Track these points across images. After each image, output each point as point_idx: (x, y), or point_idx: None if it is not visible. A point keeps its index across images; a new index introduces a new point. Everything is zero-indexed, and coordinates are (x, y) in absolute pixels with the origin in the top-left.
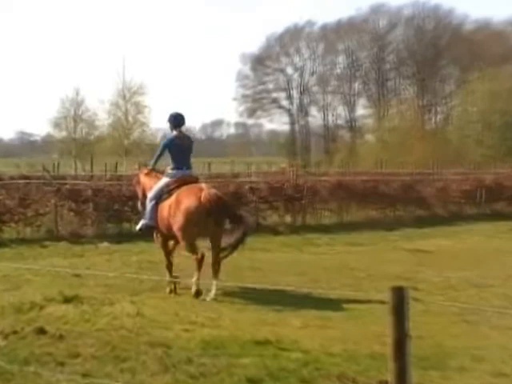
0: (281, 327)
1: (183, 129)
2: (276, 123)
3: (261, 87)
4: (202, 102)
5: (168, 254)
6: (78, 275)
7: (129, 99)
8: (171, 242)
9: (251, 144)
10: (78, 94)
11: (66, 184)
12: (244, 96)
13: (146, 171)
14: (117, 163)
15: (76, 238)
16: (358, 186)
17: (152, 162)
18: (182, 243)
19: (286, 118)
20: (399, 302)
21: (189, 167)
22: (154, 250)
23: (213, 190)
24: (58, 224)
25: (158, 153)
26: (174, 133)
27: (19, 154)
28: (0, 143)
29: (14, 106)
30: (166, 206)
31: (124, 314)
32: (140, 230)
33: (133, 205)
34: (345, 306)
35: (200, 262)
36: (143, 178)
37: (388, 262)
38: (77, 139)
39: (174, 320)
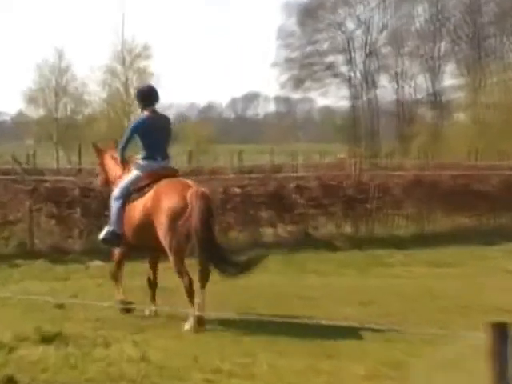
0: (338, 377)
1: (157, 107)
2: (331, 98)
3: (311, 48)
4: (231, 69)
5: (120, 268)
6: (60, 306)
7: (130, 65)
8: (154, 257)
9: (297, 126)
10: (60, 58)
11: (44, 181)
12: (288, 61)
13: (113, 153)
14: None
15: (58, 255)
16: (444, 184)
17: (121, 145)
18: (171, 257)
19: (345, 91)
20: (501, 343)
21: (164, 157)
22: (164, 271)
23: (202, 189)
24: (34, 235)
25: (124, 140)
26: (146, 113)
27: None
28: None
29: None
30: (137, 207)
31: (124, 359)
32: (104, 240)
33: None
34: (426, 348)
35: (190, 290)
36: (109, 162)
37: (486, 289)
38: (59, 120)
39: (192, 367)
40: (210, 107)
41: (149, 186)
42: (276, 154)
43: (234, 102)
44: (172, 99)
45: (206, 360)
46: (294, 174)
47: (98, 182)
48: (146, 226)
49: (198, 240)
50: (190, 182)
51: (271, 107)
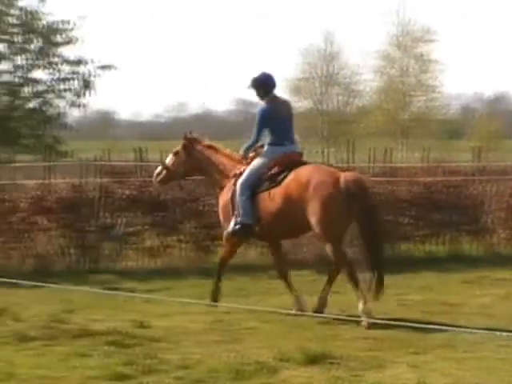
0: None
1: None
2: None
3: None
4: None
5: (226, 260)
6: (326, 322)
7: (409, 50)
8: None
9: None
10: (329, 42)
11: None
12: None
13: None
14: (387, 150)
15: (325, 265)
16: None
17: (252, 140)
18: (328, 245)
19: None
20: None
21: (292, 141)
22: (446, 286)
23: (354, 173)
24: (300, 243)
25: (255, 133)
26: (266, 101)
27: (239, 134)
28: (213, 116)
29: (232, 64)
30: (276, 196)
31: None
32: (234, 233)
33: (415, 214)
34: None
35: (353, 275)
36: (208, 153)
37: None
38: (327, 112)
39: None
40: (499, 98)
41: (283, 172)
42: None
43: None
44: (456, 89)
45: None
46: None
47: (157, 177)
48: (290, 215)
49: (366, 232)
50: (333, 168)
51: None
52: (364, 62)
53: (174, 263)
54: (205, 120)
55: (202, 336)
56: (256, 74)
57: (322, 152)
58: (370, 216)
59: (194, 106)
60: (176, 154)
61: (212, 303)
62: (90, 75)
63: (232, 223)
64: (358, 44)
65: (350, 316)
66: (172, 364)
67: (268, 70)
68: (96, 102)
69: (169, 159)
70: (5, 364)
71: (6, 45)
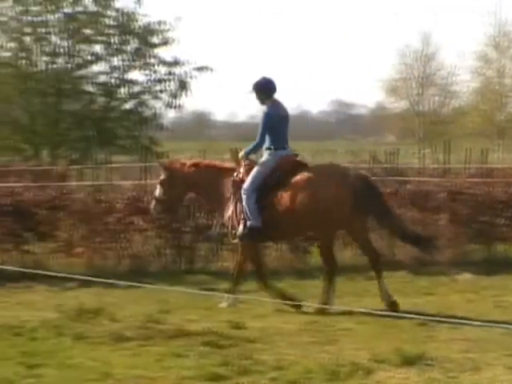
0: None
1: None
2: None
3: None
4: None
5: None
6: (423, 324)
7: (505, 50)
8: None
9: None
10: (425, 43)
11: (406, 183)
12: None
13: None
14: (483, 151)
15: (421, 266)
16: None
17: (256, 143)
18: (322, 245)
19: None
20: None
21: (288, 145)
22: None
23: (360, 172)
24: (395, 244)
25: (260, 137)
26: (268, 105)
27: (335, 134)
28: (308, 117)
29: (329, 65)
30: (283, 199)
31: None
32: (243, 237)
33: (511, 215)
34: None
35: (333, 278)
36: (196, 169)
37: None
38: (423, 113)
39: None
40: None
41: (290, 175)
42: None
43: None
44: None
45: None
46: None
47: (154, 206)
48: (297, 216)
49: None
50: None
51: None
52: (461, 63)
53: (270, 264)
54: (300, 121)
55: (297, 337)
56: (258, 80)
57: (418, 153)
58: (383, 208)
59: (289, 107)
60: (162, 182)
61: (297, 303)
62: (186, 76)
63: (241, 227)
64: (455, 45)
65: (445, 317)
66: (267, 365)
67: (363, 71)
68: (192, 103)
69: (157, 191)
70: (101, 364)
71: (102, 46)
